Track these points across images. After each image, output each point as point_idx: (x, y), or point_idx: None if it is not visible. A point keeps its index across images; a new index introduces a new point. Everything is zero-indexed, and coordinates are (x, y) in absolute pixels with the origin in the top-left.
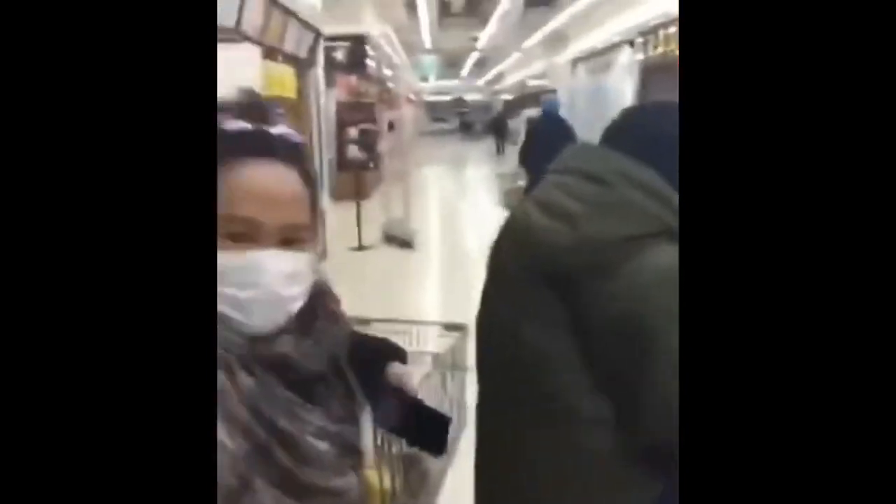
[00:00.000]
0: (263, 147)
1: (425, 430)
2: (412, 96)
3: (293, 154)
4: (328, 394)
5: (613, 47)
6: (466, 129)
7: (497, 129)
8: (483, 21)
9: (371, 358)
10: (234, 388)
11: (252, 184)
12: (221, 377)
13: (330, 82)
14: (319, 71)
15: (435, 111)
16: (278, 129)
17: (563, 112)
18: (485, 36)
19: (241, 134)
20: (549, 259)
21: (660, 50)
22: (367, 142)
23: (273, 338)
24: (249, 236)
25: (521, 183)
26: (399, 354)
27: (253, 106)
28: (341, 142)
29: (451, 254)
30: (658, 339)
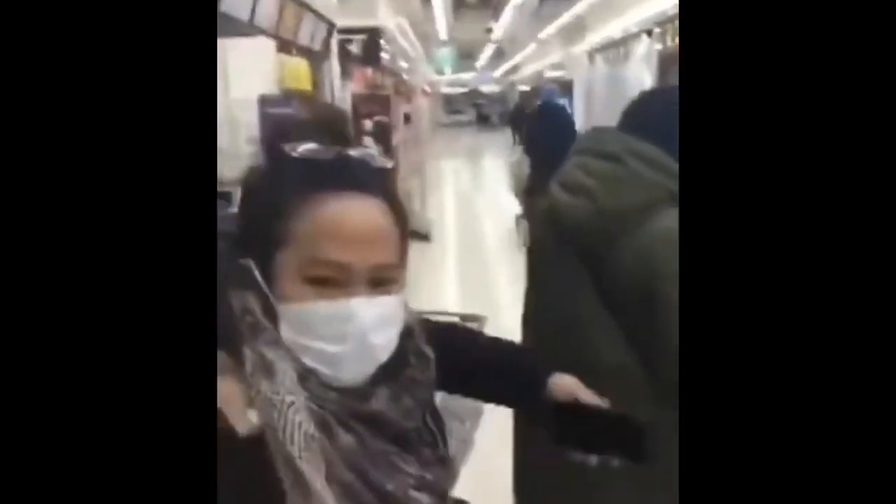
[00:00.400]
0: (345, 176)
1: (618, 437)
2: (428, 88)
3: (378, 182)
4: (420, 440)
5: (631, 37)
6: (483, 120)
7: (514, 120)
8: (498, 12)
9: (521, 378)
10: (334, 447)
11: (337, 222)
12: (321, 437)
13: (345, 74)
14: (335, 63)
15: (451, 103)
16: (359, 152)
17: (581, 102)
18: (500, 27)
19: (320, 163)
20: (574, 230)
21: (678, 40)
22: (382, 134)
23: (366, 391)
24: (336, 281)
25: (527, 169)
26: (548, 364)
27: (331, 124)
28: (356, 134)
29: (467, 245)
30: (669, 291)
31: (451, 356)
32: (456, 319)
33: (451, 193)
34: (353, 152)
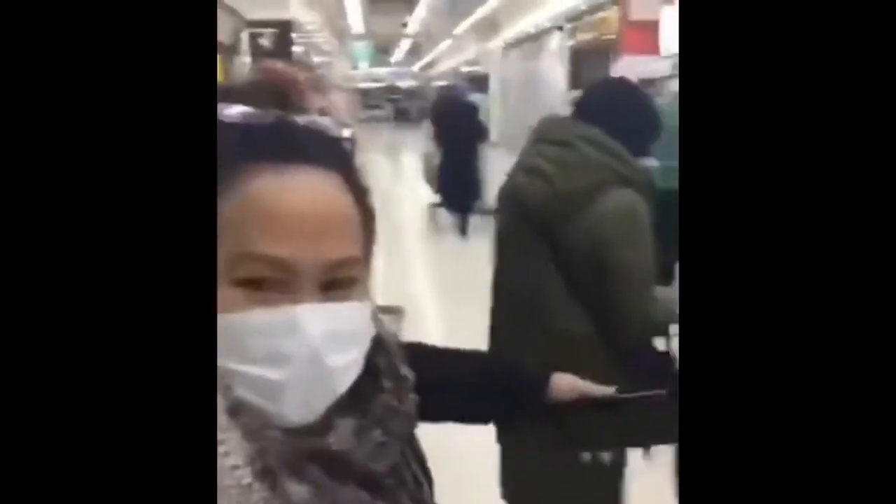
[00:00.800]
0: (289, 145)
1: (638, 423)
2: (344, 83)
3: (333, 154)
4: (397, 485)
5: (544, 32)
6: (401, 115)
7: (430, 115)
8: (412, 6)
9: (519, 386)
10: (281, 502)
11: (275, 203)
12: (261, 487)
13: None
14: (246, 58)
15: (368, 98)
16: (308, 119)
17: (497, 95)
18: (415, 21)
19: (254, 129)
20: (533, 211)
21: (589, 35)
22: None
23: (322, 424)
24: (276, 283)
25: (437, 161)
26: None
27: (276, 87)
28: None
29: (387, 238)
30: (621, 262)
31: (431, 376)
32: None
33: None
34: (300, 119)
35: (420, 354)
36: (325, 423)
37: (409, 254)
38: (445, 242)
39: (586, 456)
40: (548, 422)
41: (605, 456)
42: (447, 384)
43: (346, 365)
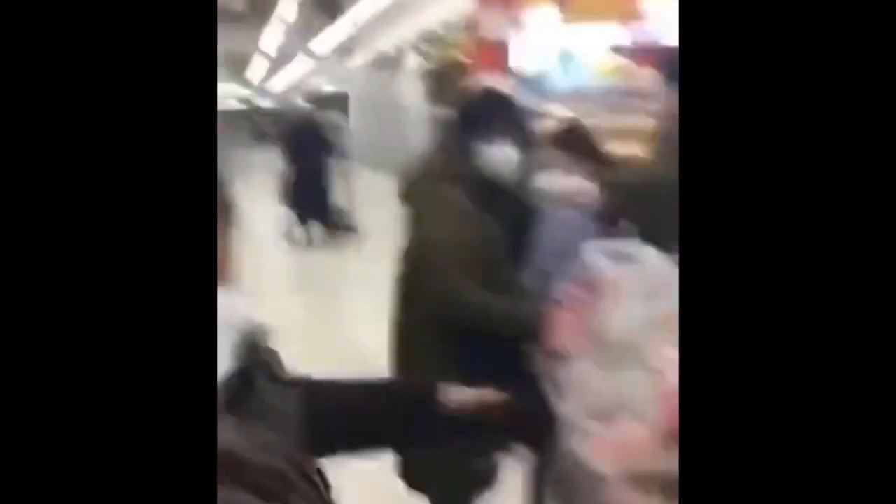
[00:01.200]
0: None
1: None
2: None
3: None
4: (290, 492)
5: (400, 53)
6: (260, 137)
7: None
8: (266, 24)
9: (405, 406)
10: None
11: None
12: None
13: None
14: None
15: (227, 118)
16: None
17: (356, 114)
18: (271, 40)
19: None
20: None
21: (444, 55)
22: None
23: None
24: None
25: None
26: None
27: None
28: None
29: (261, 270)
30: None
31: (322, 409)
32: None
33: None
34: None
35: (307, 388)
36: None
37: (270, 267)
38: (298, 253)
39: (480, 462)
40: (441, 436)
41: (498, 457)
42: (339, 416)
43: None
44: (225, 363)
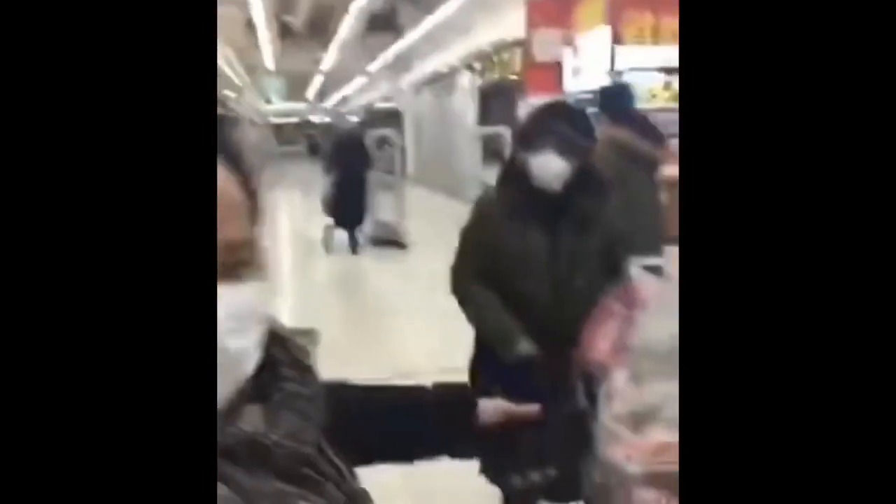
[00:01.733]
0: None
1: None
2: (256, 118)
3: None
4: (318, 477)
5: (454, 71)
6: (314, 151)
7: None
8: (325, 44)
9: (442, 417)
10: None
11: None
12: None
13: None
14: None
15: (282, 134)
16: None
17: (410, 131)
18: (328, 59)
19: None
20: None
21: (496, 75)
22: None
23: (231, 416)
24: None
25: (330, 190)
26: (468, 393)
27: None
28: None
29: (302, 275)
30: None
31: (354, 415)
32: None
33: (285, 222)
34: None
35: (342, 393)
36: (232, 411)
37: (326, 293)
38: (340, 262)
39: (517, 480)
40: (475, 451)
41: (535, 476)
42: (370, 421)
43: (246, 348)
44: (253, 356)
